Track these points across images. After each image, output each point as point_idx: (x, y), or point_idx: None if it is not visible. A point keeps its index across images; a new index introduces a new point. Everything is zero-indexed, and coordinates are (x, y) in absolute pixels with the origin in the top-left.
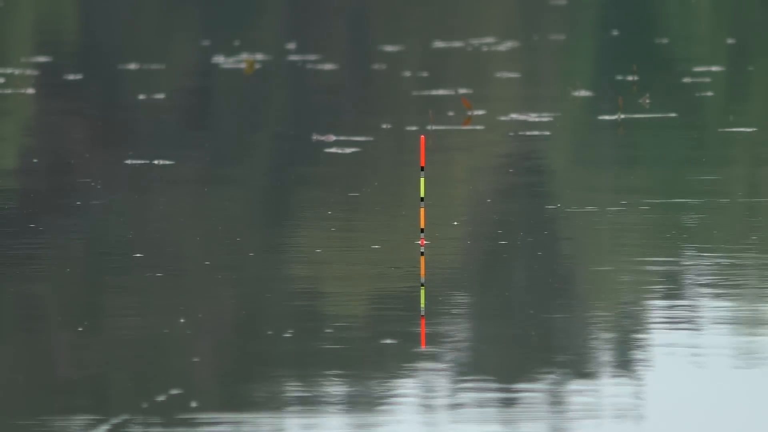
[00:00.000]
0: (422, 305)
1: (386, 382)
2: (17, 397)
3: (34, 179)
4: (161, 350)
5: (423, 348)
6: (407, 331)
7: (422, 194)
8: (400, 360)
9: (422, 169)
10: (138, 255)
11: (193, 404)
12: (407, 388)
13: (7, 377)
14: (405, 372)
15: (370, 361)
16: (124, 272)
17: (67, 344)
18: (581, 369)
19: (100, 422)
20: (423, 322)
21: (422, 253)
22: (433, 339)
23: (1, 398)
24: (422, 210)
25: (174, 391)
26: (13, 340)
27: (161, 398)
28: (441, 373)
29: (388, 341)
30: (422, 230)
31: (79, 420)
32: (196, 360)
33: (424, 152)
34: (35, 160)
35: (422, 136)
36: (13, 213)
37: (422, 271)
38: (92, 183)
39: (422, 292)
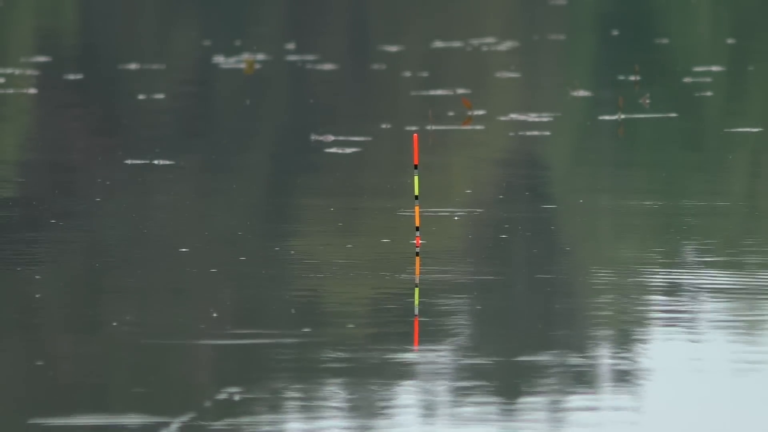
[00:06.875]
0: (416, 305)
1: (380, 383)
2: (19, 398)
3: (34, 179)
4: (161, 354)
5: (416, 349)
6: (401, 331)
7: (416, 192)
8: (395, 361)
9: (416, 167)
10: (138, 256)
11: (190, 404)
12: (402, 389)
13: (7, 378)
14: (399, 373)
15: (365, 362)
16: (124, 273)
17: (68, 346)
18: (581, 370)
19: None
20: (417, 322)
21: (417, 253)
22: (427, 340)
23: (3, 399)
24: (417, 208)
25: (173, 393)
26: (12, 341)
27: (160, 398)
28: (435, 373)
29: (383, 342)
30: (417, 228)
31: (81, 423)
32: (194, 362)
33: (417, 150)
34: (34, 160)
35: (415, 134)
36: (13, 213)
37: (417, 271)
38: (92, 183)
39: (416, 292)
